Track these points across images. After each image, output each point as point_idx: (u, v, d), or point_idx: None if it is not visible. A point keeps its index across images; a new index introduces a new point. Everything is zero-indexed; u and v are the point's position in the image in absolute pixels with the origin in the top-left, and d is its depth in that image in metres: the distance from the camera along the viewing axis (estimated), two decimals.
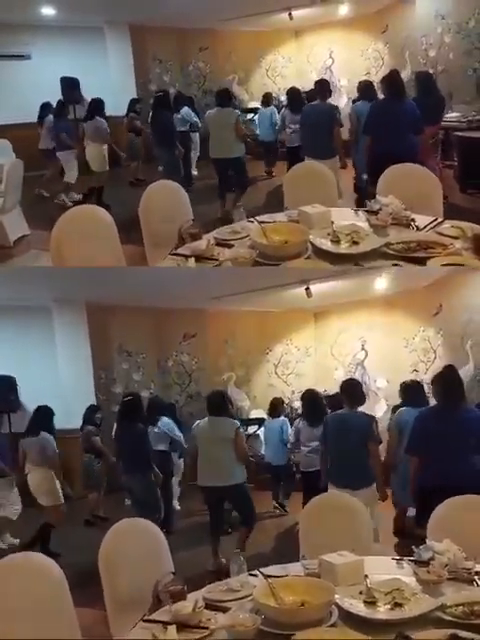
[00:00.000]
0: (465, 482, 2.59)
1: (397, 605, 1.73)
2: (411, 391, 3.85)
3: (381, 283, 4.76)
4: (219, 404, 3.60)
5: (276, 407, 4.60)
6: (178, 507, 4.51)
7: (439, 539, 2.03)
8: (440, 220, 2.48)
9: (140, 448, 3.70)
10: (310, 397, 3.97)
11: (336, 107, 4.76)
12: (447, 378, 2.94)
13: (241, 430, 3.60)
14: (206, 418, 3.60)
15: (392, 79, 3.97)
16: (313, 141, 4.43)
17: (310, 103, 4.75)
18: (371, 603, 1.76)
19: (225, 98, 4.89)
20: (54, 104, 5.49)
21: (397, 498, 3.62)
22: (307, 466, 3.78)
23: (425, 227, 2.42)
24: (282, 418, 4.30)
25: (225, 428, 3.52)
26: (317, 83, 4.79)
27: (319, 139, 4.40)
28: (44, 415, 3.89)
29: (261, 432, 4.87)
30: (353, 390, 3.36)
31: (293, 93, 5.32)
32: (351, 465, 3.17)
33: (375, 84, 5.58)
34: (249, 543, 3.56)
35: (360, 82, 5.27)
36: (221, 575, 2.09)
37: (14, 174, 4.57)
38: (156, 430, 4.23)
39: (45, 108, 5.58)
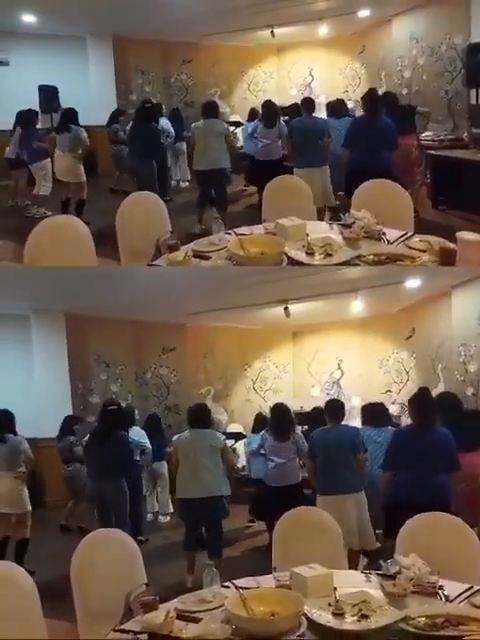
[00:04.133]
0: (433, 499, 2.69)
1: (363, 616, 1.79)
2: (369, 412, 3.99)
3: (357, 305, 4.88)
4: (203, 416, 3.60)
5: (260, 422, 4.64)
6: (167, 519, 4.50)
7: (406, 554, 2.10)
8: (409, 234, 2.60)
9: (123, 455, 3.64)
10: (279, 412, 3.96)
11: (326, 120, 4.94)
12: (420, 399, 3.08)
13: (227, 443, 3.61)
14: (187, 431, 3.58)
15: (371, 97, 4.14)
16: (306, 152, 4.59)
17: (299, 118, 4.90)
18: (339, 614, 1.81)
19: (213, 109, 4.85)
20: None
21: None
22: (273, 481, 3.80)
23: (395, 241, 2.53)
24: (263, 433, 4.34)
25: (212, 439, 3.52)
26: (304, 101, 4.99)
27: (312, 150, 4.58)
28: (3, 420, 3.75)
29: (239, 446, 4.90)
30: (336, 408, 3.53)
31: (268, 107, 5.29)
32: (343, 473, 3.30)
33: (351, 102, 5.75)
34: (225, 556, 3.54)
35: (329, 102, 5.47)
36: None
37: None
38: (133, 439, 4.23)
39: (21, 117, 5.38)
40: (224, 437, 3.62)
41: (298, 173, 4.41)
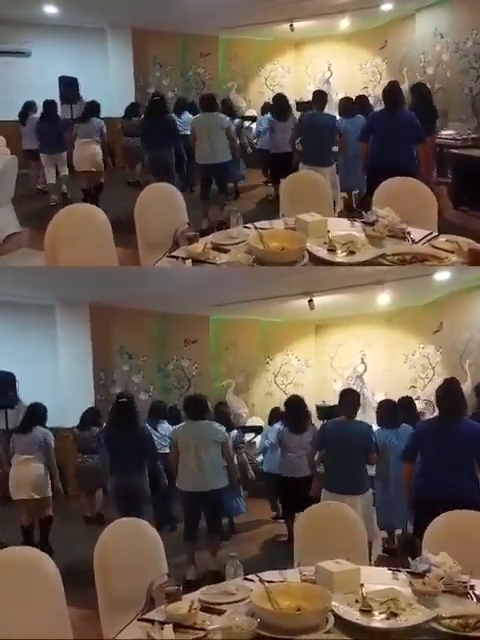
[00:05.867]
0: (460, 493, 2.61)
1: (393, 614, 1.74)
2: (383, 411, 3.91)
3: (383, 299, 4.78)
4: (200, 407, 3.53)
5: (275, 416, 4.61)
6: None
7: (435, 552, 2.04)
8: (435, 234, 2.50)
9: (144, 445, 3.64)
10: (294, 404, 3.93)
11: (335, 117, 4.85)
12: (448, 390, 2.96)
13: (226, 435, 3.50)
14: (185, 422, 3.53)
15: (391, 90, 4.03)
16: (315, 149, 4.51)
17: (309, 112, 4.81)
18: (367, 611, 1.77)
19: (211, 103, 4.75)
20: (40, 104, 5.38)
21: (385, 519, 3.63)
22: (290, 472, 3.79)
23: (420, 240, 2.44)
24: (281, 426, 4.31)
25: (213, 432, 3.44)
26: (315, 93, 4.87)
27: (320, 147, 4.50)
28: (36, 412, 3.86)
29: (259, 440, 4.88)
30: (351, 400, 3.41)
31: (280, 100, 5.26)
32: (351, 471, 3.24)
33: (372, 98, 5.61)
34: (242, 549, 3.54)
35: (340, 99, 5.37)
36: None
37: (8, 171, 4.52)
38: (157, 434, 4.26)
39: (29, 107, 5.51)
40: (224, 430, 3.51)
41: (304, 169, 4.36)
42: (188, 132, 5.39)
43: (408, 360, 5.33)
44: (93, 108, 5.21)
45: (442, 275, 4.21)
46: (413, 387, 5.21)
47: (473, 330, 4.77)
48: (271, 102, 5.50)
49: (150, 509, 3.59)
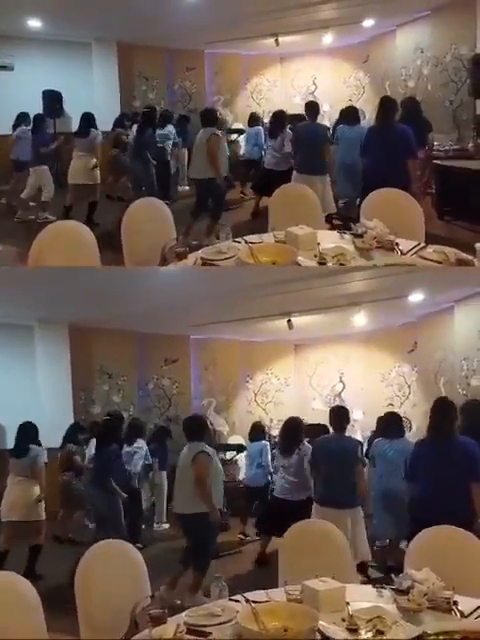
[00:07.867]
0: (453, 514, 2.57)
1: (379, 632, 1.76)
2: (384, 423, 3.94)
3: (360, 319, 4.88)
4: (190, 429, 3.47)
5: (255, 431, 4.64)
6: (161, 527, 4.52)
7: (417, 568, 2.07)
8: (423, 245, 2.55)
9: (110, 467, 3.68)
10: (285, 426, 3.96)
11: (327, 127, 4.92)
12: (439, 409, 2.97)
13: (202, 455, 3.28)
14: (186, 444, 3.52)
15: (384, 105, 4.00)
16: (307, 158, 4.53)
17: (301, 123, 4.85)
18: (353, 630, 1.78)
19: (206, 118, 4.68)
20: (32, 116, 5.40)
21: (374, 530, 3.64)
22: (279, 493, 3.82)
23: (409, 251, 2.48)
24: (263, 442, 4.32)
25: (189, 453, 3.36)
26: (308, 104, 4.91)
27: (313, 156, 4.51)
28: (27, 431, 3.83)
29: (240, 457, 4.88)
30: (342, 416, 3.50)
31: (272, 116, 5.33)
32: (342, 485, 3.29)
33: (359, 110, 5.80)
34: (226, 569, 3.49)
35: (343, 108, 5.41)
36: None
37: None
38: (129, 449, 4.25)
39: (21, 118, 5.52)
40: (199, 451, 3.30)
41: (297, 178, 4.40)
42: (169, 144, 5.51)
43: (385, 379, 5.42)
44: (88, 120, 5.16)
45: (416, 296, 4.33)
46: (390, 405, 5.29)
47: (446, 350, 4.88)
48: (270, 118, 5.50)
49: (118, 526, 3.57)
